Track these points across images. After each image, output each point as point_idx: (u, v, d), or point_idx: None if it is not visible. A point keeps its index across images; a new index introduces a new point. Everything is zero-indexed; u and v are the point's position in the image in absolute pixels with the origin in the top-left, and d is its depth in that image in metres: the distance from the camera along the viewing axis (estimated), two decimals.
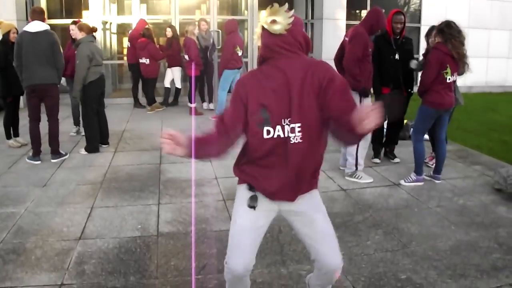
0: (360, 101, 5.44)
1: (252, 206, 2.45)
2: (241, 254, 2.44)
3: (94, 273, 3.48)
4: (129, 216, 4.55)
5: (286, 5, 2.37)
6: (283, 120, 2.27)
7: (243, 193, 2.51)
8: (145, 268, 3.55)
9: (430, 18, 12.86)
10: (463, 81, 5.60)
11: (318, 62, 2.37)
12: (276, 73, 2.32)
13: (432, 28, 5.88)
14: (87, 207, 4.78)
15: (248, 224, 2.48)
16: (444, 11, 13.24)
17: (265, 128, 2.28)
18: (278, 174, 2.37)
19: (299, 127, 2.27)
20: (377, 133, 6.11)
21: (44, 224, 4.36)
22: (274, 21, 2.33)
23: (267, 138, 2.29)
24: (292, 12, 2.35)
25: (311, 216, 2.52)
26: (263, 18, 2.37)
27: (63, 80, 7.24)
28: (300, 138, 2.28)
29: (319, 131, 2.34)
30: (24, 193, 5.21)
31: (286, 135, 2.28)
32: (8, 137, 7.24)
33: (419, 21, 13.60)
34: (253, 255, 2.48)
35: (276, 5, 2.36)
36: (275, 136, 2.28)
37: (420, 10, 13.93)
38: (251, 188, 2.47)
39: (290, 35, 2.33)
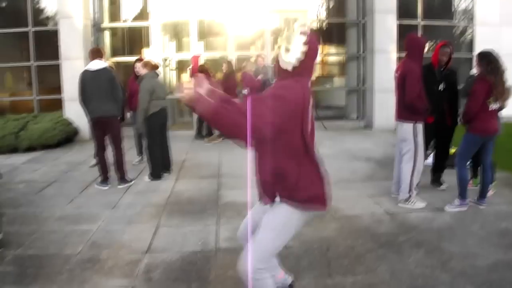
0: (414, 130, 5.76)
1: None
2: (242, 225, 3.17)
3: (160, 280, 3.94)
4: (190, 234, 4.99)
5: (301, 29, 2.62)
6: None
7: None
8: (205, 277, 3.96)
9: (483, 48, 12.93)
10: (507, 109, 5.75)
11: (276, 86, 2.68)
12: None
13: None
14: (153, 226, 5.26)
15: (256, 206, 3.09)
16: (498, 42, 13.30)
17: None
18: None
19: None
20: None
21: (114, 240, 4.87)
22: (287, 50, 2.63)
23: None
24: (305, 48, 2.59)
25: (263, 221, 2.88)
26: (280, 41, 2.69)
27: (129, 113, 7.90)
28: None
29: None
30: (95, 213, 5.76)
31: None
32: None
33: (471, 51, 13.71)
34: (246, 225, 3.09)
35: (292, 28, 2.64)
36: None
37: (472, 40, 14.07)
38: None
39: (299, 67, 2.63)
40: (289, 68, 2.64)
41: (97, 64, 6.81)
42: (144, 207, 6.02)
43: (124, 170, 7.14)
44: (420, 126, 5.78)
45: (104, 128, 6.97)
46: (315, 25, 13.99)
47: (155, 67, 7.55)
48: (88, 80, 6.76)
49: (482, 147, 5.64)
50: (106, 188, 6.93)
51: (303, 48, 2.60)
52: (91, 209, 5.98)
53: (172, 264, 4.24)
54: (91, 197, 6.51)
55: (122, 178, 7.09)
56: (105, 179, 7.02)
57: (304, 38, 2.61)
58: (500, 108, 5.50)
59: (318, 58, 2.66)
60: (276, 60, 2.73)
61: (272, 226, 2.80)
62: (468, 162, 6.18)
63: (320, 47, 2.68)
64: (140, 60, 8.20)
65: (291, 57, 2.62)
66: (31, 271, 4.15)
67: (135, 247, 4.67)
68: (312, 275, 3.98)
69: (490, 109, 5.36)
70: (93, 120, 6.91)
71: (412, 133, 5.74)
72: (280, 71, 2.72)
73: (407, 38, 5.88)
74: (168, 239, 4.88)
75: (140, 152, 8.72)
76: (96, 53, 7.01)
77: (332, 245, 4.60)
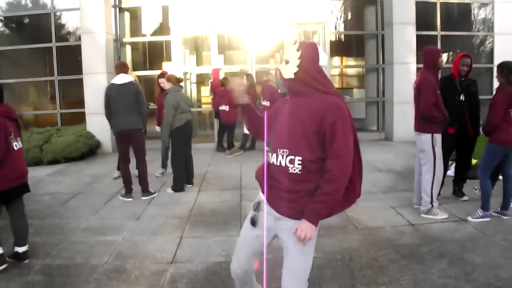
0: (433, 141, 5.76)
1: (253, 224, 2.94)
2: (238, 261, 3.06)
3: None
4: (214, 244, 5.05)
5: (297, 43, 2.70)
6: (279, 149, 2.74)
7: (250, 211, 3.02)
8: (230, 287, 4.00)
9: (503, 59, 12.88)
10: None
11: (330, 106, 2.65)
12: (290, 107, 2.76)
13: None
14: (177, 237, 5.34)
15: (246, 236, 3.03)
16: None
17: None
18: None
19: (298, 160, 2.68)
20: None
21: (139, 250, 4.95)
22: (287, 61, 2.72)
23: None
24: (299, 53, 2.67)
25: (289, 248, 2.82)
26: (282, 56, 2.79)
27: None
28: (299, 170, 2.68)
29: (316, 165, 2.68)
30: (120, 224, 5.86)
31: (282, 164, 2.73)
32: (119, 168, 8.21)
33: (491, 62, 13.68)
34: (249, 265, 3.04)
35: (289, 41, 2.73)
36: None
37: (492, 50, 14.03)
38: (256, 208, 2.94)
39: (299, 78, 2.69)
40: (291, 75, 2.70)
41: (122, 78, 6.93)
42: (167, 218, 6.10)
43: (148, 182, 7.22)
44: (438, 137, 5.80)
45: (129, 141, 7.09)
46: (333, 37, 14.05)
47: (179, 80, 7.65)
48: (113, 94, 6.89)
49: (504, 158, 5.63)
50: (130, 199, 7.02)
51: (297, 54, 2.68)
52: (116, 220, 6.07)
53: (198, 274, 4.30)
54: (115, 209, 6.61)
55: (146, 190, 7.18)
56: (128, 191, 7.11)
57: (296, 46, 2.70)
58: None
59: (323, 62, 2.69)
60: (280, 74, 2.82)
61: (301, 248, 2.79)
62: None
63: (319, 52, 2.74)
64: (162, 75, 8.32)
65: (290, 66, 2.70)
66: (59, 280, 4.25)
67: (160, 257, 4.75)
68: (336, 285, 4.02)
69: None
70: (118, 133, 7.02)
71: (430, 144, 5.77)
72: (286, 82, 2.79)
73: (422, 50, 5.95)
74: (193, 249, 4.95)
75: (164, 165, 8.81)
76: (121, 67, 7.15)
77: (355, 256, 4.63)
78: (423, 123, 5.80)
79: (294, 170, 2.67)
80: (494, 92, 5.64)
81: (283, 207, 2.77)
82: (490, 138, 5.57)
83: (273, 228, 2.88)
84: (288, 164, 2.68)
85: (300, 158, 2.65)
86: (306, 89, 2.70)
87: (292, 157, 2.66)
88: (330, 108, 2.62)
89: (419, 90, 5.74)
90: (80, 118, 12.37)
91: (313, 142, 2.63)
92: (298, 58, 2.68)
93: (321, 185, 2.62)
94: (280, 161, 2.71)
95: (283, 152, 2.70)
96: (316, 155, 2.65)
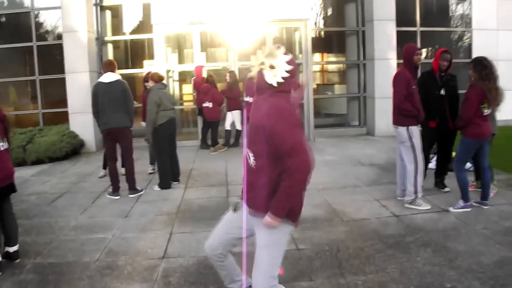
0: (409, 133, 5.90)
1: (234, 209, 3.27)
2: (211, 237, 3.38)
3: (179, 283, 4.11)
4: (204, 239, 5.00)
5: (283, 49, 2.80)
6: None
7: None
8: (222, 280, 4.07)
9: (481, 54, 13.07)
10: (506, 114, 5.92)
11: (271, 108, 2.75)
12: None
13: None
14: (167, 233, 5.42)
15: (226, 218, 3.36)
16: (496, 46, 13.53)
17: None
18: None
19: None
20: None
21: (130, 247, 5.03)
22: (272, 67, 2.79)
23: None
24: (291, 68, 2.78)
25: (256, 242, 3.05)
26: (262, 57, 2.85)
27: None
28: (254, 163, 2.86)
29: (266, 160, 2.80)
30: (109, 222, 5.92)
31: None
32: (104, 167, 8.35)
33: (469, 57, 13.88)
34: (219, 242, 3.32)
35: (273, 47, 2.82)
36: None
37: (470, 45, 14.25)
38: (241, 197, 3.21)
39: (277, 86, 2.81)
40: (275, 84, 2.80)
41: (110, 77, 6.97)
42: (156, 215, 6.17)
43: (135, 180, 7.27)
44: (414, 129, 5.97)
45: (117, 139, 7.12)
46: (315, 34, 14.16)
47: (161, 78, 7.69)
48: (101, 92, 6.93)
49: (478, 150, 5.83)
50: (117, 197, 7.06)
51: (289, 67, 2.79)
52: (105, 218, 6.12)
53: (189, 268, 4.40)
54: (103, 207, 6.65)
55: (133, 188, 7.22)
56: (116, 189, 7.15)
57: (288, 57, 2.80)
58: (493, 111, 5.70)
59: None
60: (260, 75, 2.87)
61: (266, 243, 2.98)
62: (470, 166, 6.37)
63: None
64: (147, 79, 8.32)
65: (277, 74, 2.79)
66: (52, 278, 4.31)
67: (152, 253, 4.83)
68: (325, 275, 4.14)
69: (484, 114, 5.54)
70: (105, 131, 7.05)
71: (407, 136, 5.94)
72: (263, 86, 2.87)
73: (403, 48, 6.14)
74: (183, 244, 5.04)
75: (152, 162, 8.84)
76: (109, 65, 7.17)
77: (342, 247, 4.76)
78: (398, 117, 5.99)
79: (252, 163, 2.87)
80: None
81: (248, 198, 3.00)
82: (464, 132, 5.75)
83: (251, 224, 3.06)
84: (250, 158, 2.89)
85: (252, 151, 2.86)
86: (270, 90, 2.82)
87: (249, 150, 2.88)
88: (270, 109, 2.75)
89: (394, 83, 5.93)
90: (61, 118, 12.27)
91: (259, 136, 2.77)
92: (287, 72, 2.78)
93: (282, 177, 2.73)
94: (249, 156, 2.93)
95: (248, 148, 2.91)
96: (260, 148, 2.80)
